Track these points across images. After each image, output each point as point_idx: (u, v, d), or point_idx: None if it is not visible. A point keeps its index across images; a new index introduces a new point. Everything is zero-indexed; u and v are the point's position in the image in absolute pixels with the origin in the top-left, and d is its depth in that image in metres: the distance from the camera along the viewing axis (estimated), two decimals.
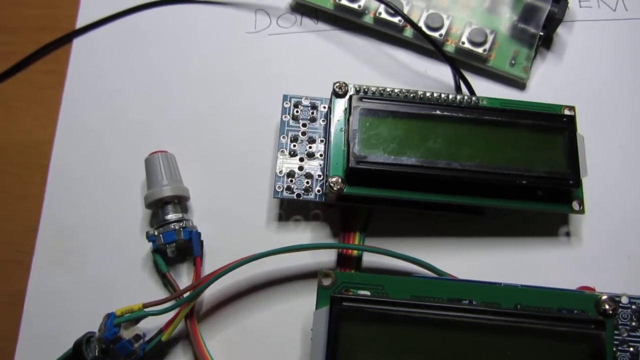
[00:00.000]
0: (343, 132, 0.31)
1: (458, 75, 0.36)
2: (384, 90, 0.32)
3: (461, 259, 0.33)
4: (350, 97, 0.31)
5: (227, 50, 0.38)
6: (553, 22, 0.36)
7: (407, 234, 0.33)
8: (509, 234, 0.33)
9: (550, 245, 0.33)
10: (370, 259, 0.32)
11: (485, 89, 0.36)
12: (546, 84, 0.37)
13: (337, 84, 0.32)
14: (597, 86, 0.37)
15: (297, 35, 0.38)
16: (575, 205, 0.31)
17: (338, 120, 0.31)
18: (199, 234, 0.32)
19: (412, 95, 0.32)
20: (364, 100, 0.31)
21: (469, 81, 0.35)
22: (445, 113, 0.31)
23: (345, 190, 0.30)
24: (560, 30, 0.37)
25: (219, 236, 0.33)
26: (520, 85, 0.37)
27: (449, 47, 0.36)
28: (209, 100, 0.36)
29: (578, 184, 0.31)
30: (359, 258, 0.32)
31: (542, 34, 0.36)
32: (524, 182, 0.30)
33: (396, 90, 0.32)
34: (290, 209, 0.34)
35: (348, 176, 0.30)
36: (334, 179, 0.30)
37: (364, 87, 0.32)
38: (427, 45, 0.36)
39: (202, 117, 0.36)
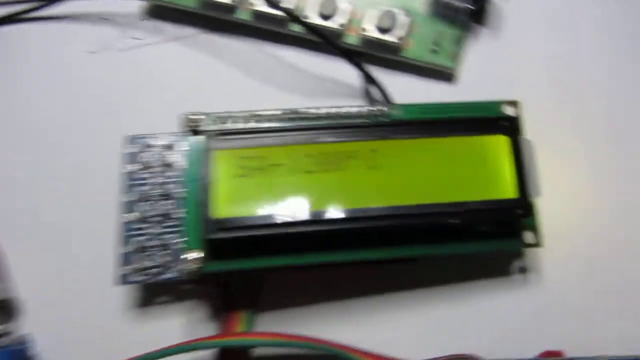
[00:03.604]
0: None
1: (364, 75, 0.27)
2: (255, 116, 0.23)
3: (394, 321, 0.25)
4: (204, 135, 0.22)
5: (59, 80, 0.28)
6: None
7: (316, 300, 0.25)
8: (451, 280, 0.25)
9: (503, 286, 0.25)
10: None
11: (406, 87, 0.28)
12: (483, 71, 0.28)
13: (188, 118, 0.23)
14: (549, 69, 0.28)
15: (155, 48, 0.29)
16: (528, 237, 0.23)
17: (193, 170, 0.22)
18: (22, 350, 0.23)
19: (295, 116, 0.23)
20: (223, 137, 0.22)
21: (382, 80, 0.27)
22: (341, 139, 0.22)
23: (207, 268, 0.21)
24: None
25: (61, 343, 0.24)
26: (448, 76, 0.28)
27: (352, 38, 0.28)
28: (33, 155, 0.27)
29: (529, 211, 0.22)
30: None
31: (471, 7, 0.27)
32: (456, 221, 0.21)
33: (274, 112, 0.23)
34: (154, 290, 0.25)
35: (209, 249, 0.21)
36: (189, 255, 0.21)
37: (227, 114, 0.23)
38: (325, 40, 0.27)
39: (26, 178, 0.27)
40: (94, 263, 0.25)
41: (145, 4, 0.30)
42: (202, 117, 0.22)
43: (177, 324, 0.24)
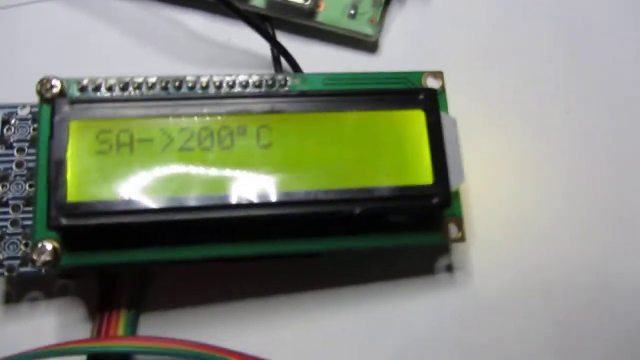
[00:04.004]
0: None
1: (269, 42, 0.23)
2: (126, 83, 0.19)
3: (294, 325, 0.21)
4: (53, 101, 0.18)
5: None
6: None
7: (208, 300, 0.21)
8: (365, 278, 0.22)
9: (427, 287, 0.22)
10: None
11: (322, 57, 0.25)
12: (410, 40, 0.25)
13: (43, 82, 0.19)
14: (484, 39, 0.25)
15: (31, 8, 0.25)
16: (451, 230, 0.20)
17: (44, 144, 0.19)
18: None
19: (175, 84, 0.20)
20: (78, 104, 0.18)
21: (295, 50, 0.23)
22: (225, 111, 0.19)
23: (63, 262, 0.18)
24: None
25: None
26: (368, 45, 0.25)
27: (257, 0, 0.24)
28: None
29: (447, 201, 0.19)
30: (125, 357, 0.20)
31: None
32: (357, 211, 0.18)
33: (150, 80, 0.20)
34: (24, 283, 0.21)
35: (63, 238, 0.18)
36: (39, 245, 0.18)
37: (91, 80, 0.19)
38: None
39: None
40: None
41: None
42: (57, 81, 0.19)
43: (50, 324, 0.21)
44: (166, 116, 0.18)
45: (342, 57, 0.25)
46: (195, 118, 0.18)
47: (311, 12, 0.24)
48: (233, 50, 0.24)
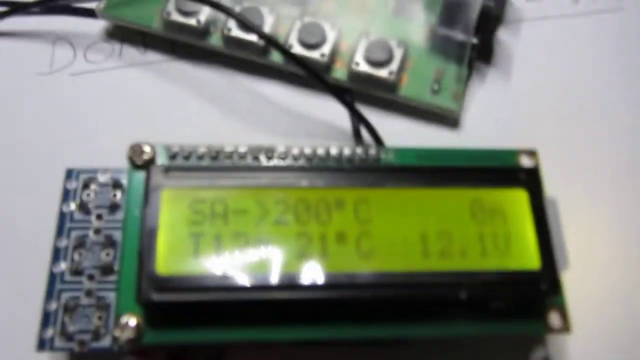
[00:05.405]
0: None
1: (353, 115, 0.23)
2: (217, 152, 0.19)
3: None
4: (148, 168, 0.18)
5: (3, 102, 0.24)
6: (489, 22, 0.23)
7: None
8: None
9: None
10: None
11: (401, 131, 0.24)
12: (489, 116, 0.24)
13: (134, 148, 0.18)
14: (565, 115, 0.24)
15: (113, 73, 0.25)
16: (553, 320, 0.18)
17: (133, 212, 0.18)
18: None
19: (267, 155, 0.19)
20: (172, 173, 0.17)
21: (373, 122, 0.23)
22: (323, 185, 0.18)
23: (145, 339, 0.16)
24: (503, 35, 0.25)
25: None
26: (450, 121, 0.24)
27: (339, 72, 0.24)
28: None
29: (556, 287, 0.18)
30: None
31: (475, 41, 0.23)
32: (463, 296, 0.17)
33: (241, 150, 0.19)
34: (87, 358, 0.20)
35: (148, 314, 0.17)
36: (124, 320, 0.16)
37: (182, 147, 0.19)
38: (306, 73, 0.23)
39: None
40: (14, 321, 0.20)
41: (106, 24, 0.26)
42: (148, 147, 0.18)
43: None
44: (262, 187, 0.17)
45: (423, 132, 0.24)
46: (292, 190, 0.17)
47: (394, 86, 0.23)
48: (313, 121, 0.24)
